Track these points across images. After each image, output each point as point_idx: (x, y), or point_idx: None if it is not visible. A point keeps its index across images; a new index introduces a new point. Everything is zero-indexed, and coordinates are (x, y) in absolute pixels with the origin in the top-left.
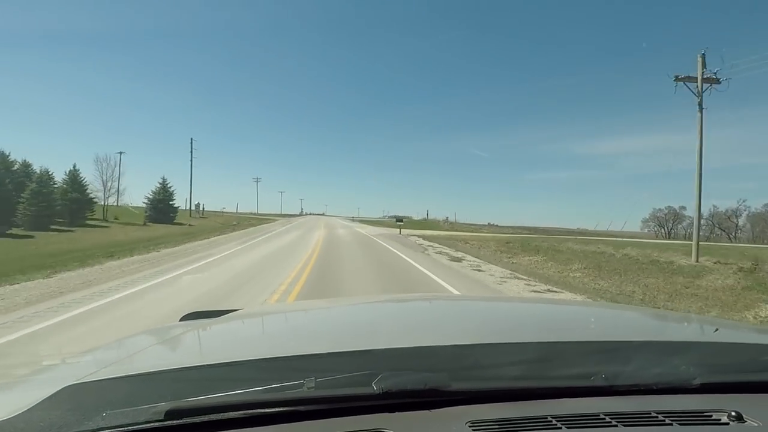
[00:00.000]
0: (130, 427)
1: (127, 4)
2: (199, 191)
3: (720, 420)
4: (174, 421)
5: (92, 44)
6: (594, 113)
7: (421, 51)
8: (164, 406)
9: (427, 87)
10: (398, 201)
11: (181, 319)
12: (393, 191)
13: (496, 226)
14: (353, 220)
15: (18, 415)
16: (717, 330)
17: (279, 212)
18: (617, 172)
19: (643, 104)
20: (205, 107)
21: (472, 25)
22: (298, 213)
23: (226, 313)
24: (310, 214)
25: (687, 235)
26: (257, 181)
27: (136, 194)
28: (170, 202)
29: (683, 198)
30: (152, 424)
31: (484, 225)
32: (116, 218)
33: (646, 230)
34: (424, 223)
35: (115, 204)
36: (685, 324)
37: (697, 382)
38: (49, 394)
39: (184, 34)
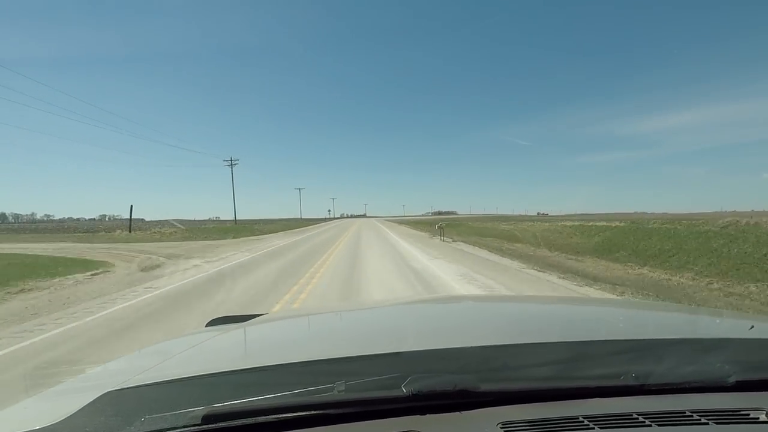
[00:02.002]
0: (169, 431)
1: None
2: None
3: (758, 418)
4: (210, 425)
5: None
6: (639, 88)
7: (458, 41)
8: (201, 410)
9: (467, 76)
10: (442, 196)
11: (207, 325)
12: (437, 186)
13: (546, 215)
14: (386, 221)
15: (62, 420)
16: (753, 327)
17: (298, 216)
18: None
19: None
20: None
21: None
22: (325, 217)
23: (251, 318)
24: (349, 216)
25: None
26: (300, 190)
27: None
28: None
29: None
30: (190, 428)
31: (533, 216)
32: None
33: None
34: (474, 227)
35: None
36: (718, 321)
37: (732, 380)
38: (90, 400)
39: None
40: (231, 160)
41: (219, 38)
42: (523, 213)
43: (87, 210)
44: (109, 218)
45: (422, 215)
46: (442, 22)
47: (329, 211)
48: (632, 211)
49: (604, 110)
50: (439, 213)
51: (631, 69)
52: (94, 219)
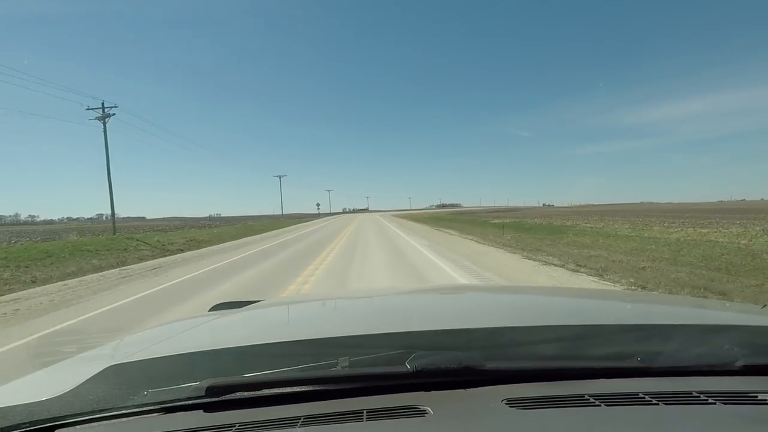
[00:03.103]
0: (173, 403)
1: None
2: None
3: (766, 400)
4: (214, 398)
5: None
6: (640, 78)
7: (459, 37)
8: (205, 382)
9: (469, 71)
10: (446, 189)
11: (210, 310)
12: (441, 179)
13: (552, 206)
14: (394, 216)
15: (68, 392)
16: (766, 305)
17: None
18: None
19: None
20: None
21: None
22: (316, 213)
23: (255, 303)
24: (351, 210)
25: None
26: (280, 178)
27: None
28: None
29: None
30: (193, 400)
31: (538, 206)
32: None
33: None
34: (476, 221)
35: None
36: (727, 308)
37: (740, 363)
38: (95, 373)
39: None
40: (103, 109)
41: (216, 39)
42: (526, 204)
43: (86, 209)
44: (105, 217)
45: (425, 208)
46: (444, 18)
47: (318, 205)
48: (638, 201)
49: (608, 100)
50: (443, 206)
51: (636, 58)
52: (92, 218)
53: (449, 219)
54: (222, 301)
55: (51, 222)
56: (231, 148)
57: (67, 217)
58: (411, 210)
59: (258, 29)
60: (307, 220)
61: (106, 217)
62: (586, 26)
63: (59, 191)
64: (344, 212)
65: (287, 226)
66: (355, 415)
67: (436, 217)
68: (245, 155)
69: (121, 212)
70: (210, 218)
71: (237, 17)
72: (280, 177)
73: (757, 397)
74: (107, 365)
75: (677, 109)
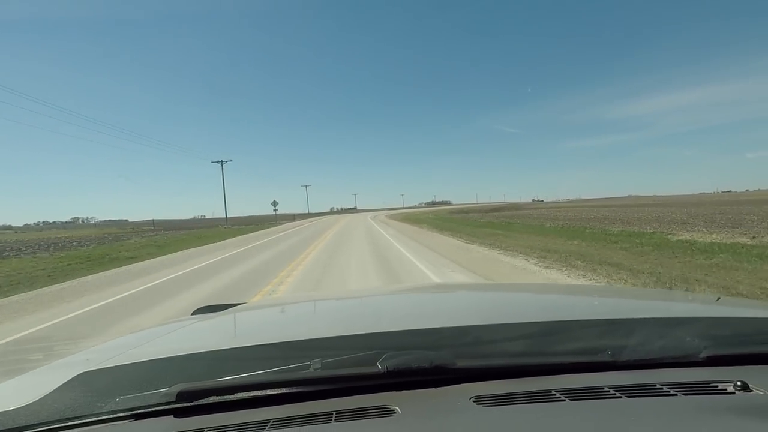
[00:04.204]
0: (143, 410)
1: None
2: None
3: (726, 390)
4: (185, 403)
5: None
6: (626, 72)
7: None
8: (175, 388)
9: (454, 68)
10: (436, 187)
11: (193, 313)
12: (431, 177)
13: (542, 201)
14: (389, 216)
15: (36, 401)
16: (723, 305)
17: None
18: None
19: None
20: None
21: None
22: (295, 213)
23: (236, 306)
24: (339, 210)
25: None
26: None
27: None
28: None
29: None
30: (164, 406)
31: (529, 202)
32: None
33: None
34: (468, 220)
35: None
36: (690, 300)
37: (703, 355)
38: (65, 381)
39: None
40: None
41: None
42: (518, 200)
43: (59, 213)
44: (82, 221)
45: (415, 206)
46: (431, 14)
47: (275, 205)
48: (626, 195)
49: (592, 95)
50: (434, 203)
51: (618, 53)
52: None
53: (471, 224)
54: (204, 305)
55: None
56: (217, 148)
57: (43, 222)
58: (404, 209)
59: (233, 22)
60: (267, 226)
61: (82, 221)
62: (573, 23)
63: (31, 196)
64: (331, 212)
65: (212, 241)
66: (324, 417)
67: (439, 216)
68: (205, 151)
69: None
70: (195, 219)
71: (218, 13)
72: (221, 162)
73: (717, 387)
74: (78, 373)
75: (658, 103)
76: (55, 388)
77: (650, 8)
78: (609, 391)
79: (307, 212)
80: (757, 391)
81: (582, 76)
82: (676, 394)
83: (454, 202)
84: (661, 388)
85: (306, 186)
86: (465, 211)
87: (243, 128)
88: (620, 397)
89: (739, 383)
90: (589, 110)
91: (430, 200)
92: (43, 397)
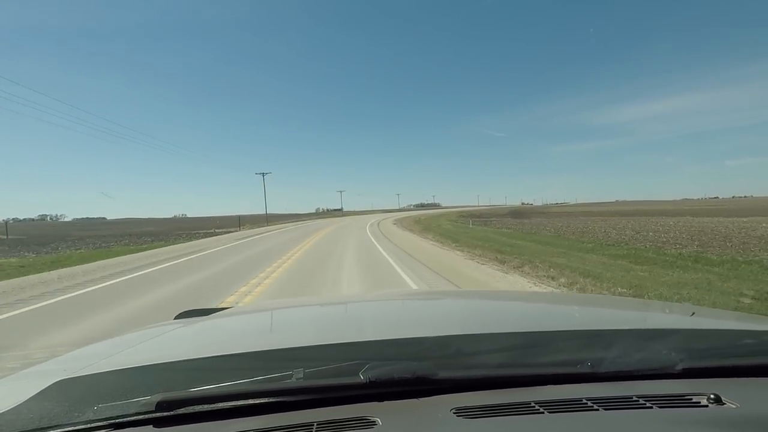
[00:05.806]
0: (122, 419)
1: None
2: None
3: (700, 403)
4: (165, 413)
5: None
6: (610, 77)
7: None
8: (155, 397)
9: (441, 72)
10: (425, 190)
11: (175, 318)
12: (421, 179)
13: (530, 205)
14: (387, 220)
15: (10, 409)
16: (699, 317)
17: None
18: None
19: None
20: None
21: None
22: (285, 214)
23: (219, 311)
24: (326, 210)
25: None
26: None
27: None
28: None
29: None
30: (143, 415)
31: (517, 206)
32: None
33: None
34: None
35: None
36: (668, 311)
37: (679, 367)
38: (41, 389)
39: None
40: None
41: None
42: (503, 203)
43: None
44: (51, 218)
45: (403, 208)
46: (420, 19)
47: (239, 219)
48: (613, 200)
49: (577, 101)
50: (422, 205)
51: (601, 60)
52: (33, 219)
53: (530, 239)
54: (187, 309)
55: None
56: (195, 144)
57: (13, 218)
58: (393, 211)
59: (226, 26)
60: (222, 233)
61: (51, 218)
62: (553, 27)
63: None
64: (317, 213)
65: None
66: (305, 428)
67: (452, 221)
68: (213, 153)
69: (79, 213)
70: (175, 219)
71: (211, 17)
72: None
73: (692, 399)
74: (55, 380)
75: (640, 110)
76: (30, 396)
77: (636, 18)
78: (587, 404)
79: (285, 213)
80: (729, 405)
81: (569, 82)
82: (651, 407)
83: (443, 205)
84: (638, 401)
85: (263, 174)
86: (474, 215)
87: (231, 126)
88: (597, 409)
89: (712, 396)
90: (576, 115)
91: (419, 202)
92: (18, 405)
